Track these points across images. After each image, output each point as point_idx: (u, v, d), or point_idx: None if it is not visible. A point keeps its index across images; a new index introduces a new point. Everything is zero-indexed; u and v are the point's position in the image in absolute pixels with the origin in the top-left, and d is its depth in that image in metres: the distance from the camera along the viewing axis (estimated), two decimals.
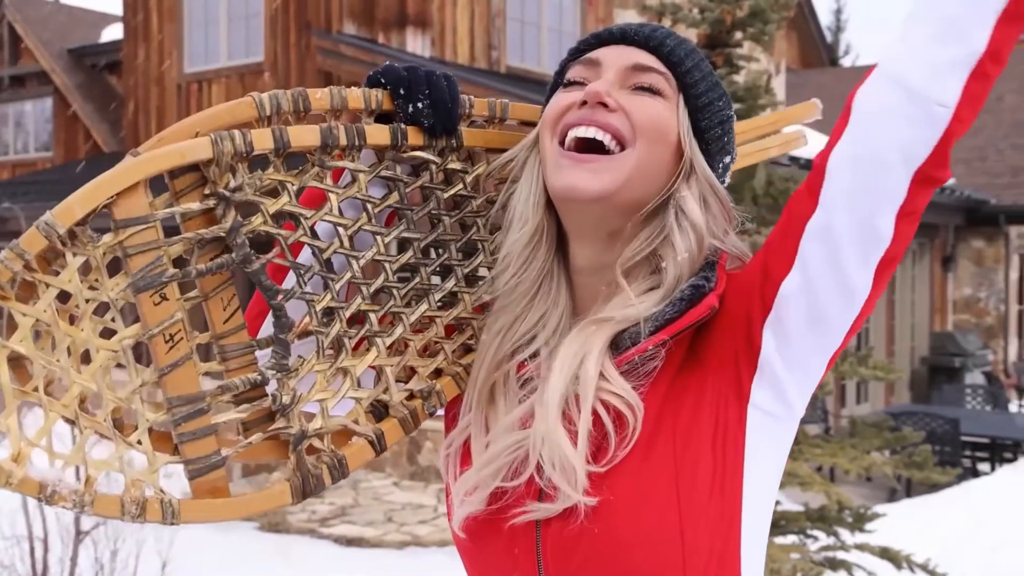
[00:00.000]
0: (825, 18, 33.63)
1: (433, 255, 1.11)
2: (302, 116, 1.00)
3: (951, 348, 12.46)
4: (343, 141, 1.00)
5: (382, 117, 1.06)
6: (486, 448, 1.05)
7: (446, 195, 1.10)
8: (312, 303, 1.01)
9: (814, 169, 0.98)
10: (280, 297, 0.99)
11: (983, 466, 9.28)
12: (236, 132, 0.93)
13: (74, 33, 16.13)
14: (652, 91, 1.05)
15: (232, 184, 0.94)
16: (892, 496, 8.20)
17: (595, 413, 0.99)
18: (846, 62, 31.14)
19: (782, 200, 4.32)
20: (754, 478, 1.01)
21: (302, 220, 0.99)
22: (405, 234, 1.08)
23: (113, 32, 15.54)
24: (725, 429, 1.00)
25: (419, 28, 9.42)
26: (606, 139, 1.03)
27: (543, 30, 10.46)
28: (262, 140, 0.95)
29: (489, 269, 1.13)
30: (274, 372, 0.99)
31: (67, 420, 0.90)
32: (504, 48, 10.07)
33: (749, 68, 4.56)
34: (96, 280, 0.89)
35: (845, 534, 4.51)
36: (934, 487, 7.62)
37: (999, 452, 9.20)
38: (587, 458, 0.98)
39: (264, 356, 1.00)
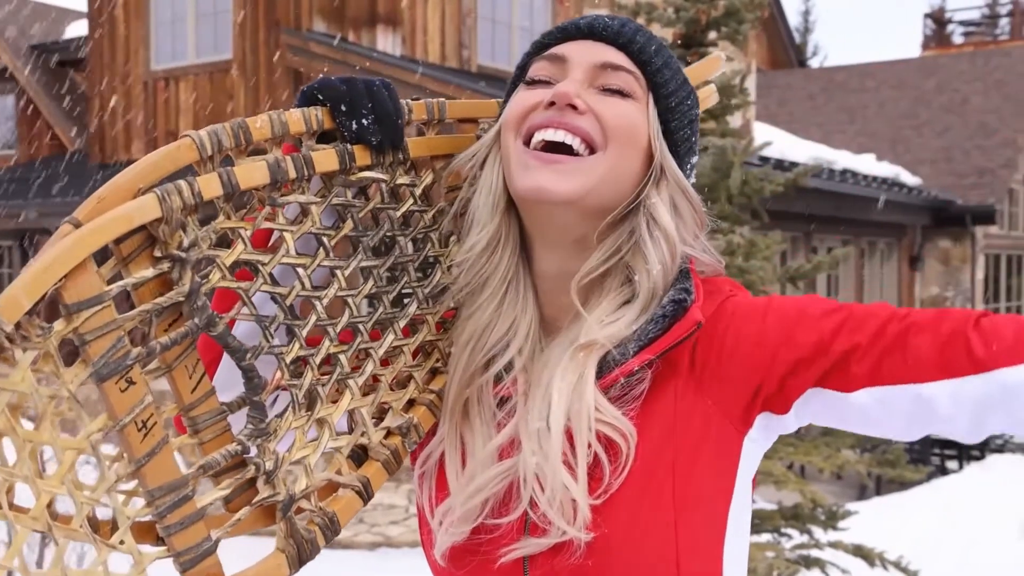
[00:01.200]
0: (793, 19, 33.96)
1: (393, 280, 1.04)
2: (243, 149, 0.91)
3: None
4: (292, 174, 0.92)
5: (323, 135, 0.98)
6: (463, 473, 1.00)
7: (398, 213, 1.03)
8: (281, 356, 0.93)
9: (970, 354, 0.89)
10: (249, 356, 0.90)
11: (951, 464, 9.39)
12: (183, 183, 0.84)
13: (37, 29, 15.88)
14: (622, 93, 1.01)
15: (185, 242, 0.84)
16: (862, 494, 8.27)
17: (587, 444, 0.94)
18: (814, 63, 31.43)
19: (755, 199, 4.32)
20: (737, 502, 0.99)
21: (260, 268, 0.91)
22: (364, 263, 1.00)
23: (78, 28, 15.32)
24: (727, 460, 0.97)
25: (389, 27, 9.35)
26: (575, 143, 0.98)
27: (514, 29, 10.44)
28: (210, 187, 0.86)
29: (449, 285, 1.07)
30: (253, 439, 0.91)
31: (39, 532, 0.82)
32: (475, 47, 10.03)
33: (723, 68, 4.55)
34: (46, 367, 0.79)
35: (819, 532, 4.53)
36: (904, 485, 7.69)
37: (967, 450, 9.32)
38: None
39: (236, 419, 0.92)
